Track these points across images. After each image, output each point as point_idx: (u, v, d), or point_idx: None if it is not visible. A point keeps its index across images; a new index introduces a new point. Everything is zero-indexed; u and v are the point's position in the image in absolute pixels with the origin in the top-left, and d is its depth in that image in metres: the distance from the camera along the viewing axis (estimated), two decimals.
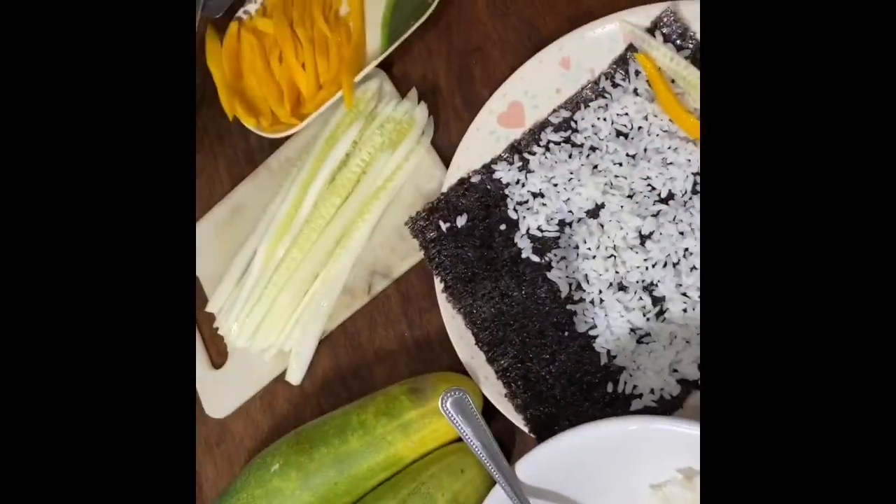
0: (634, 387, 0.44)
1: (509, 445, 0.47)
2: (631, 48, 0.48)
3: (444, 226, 0.51)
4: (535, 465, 0.41)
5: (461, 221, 0.51)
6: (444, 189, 0.52)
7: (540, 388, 0.46)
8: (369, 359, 0.54)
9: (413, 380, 0.48)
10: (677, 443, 0.38)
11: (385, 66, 0.58)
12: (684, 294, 0.44)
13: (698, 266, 0.44)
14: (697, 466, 0.39)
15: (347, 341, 0.55)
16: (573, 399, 0.45)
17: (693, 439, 0.38)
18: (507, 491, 0.40)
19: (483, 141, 0.52)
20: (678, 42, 0.47)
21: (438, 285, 0.50)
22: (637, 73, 0.48)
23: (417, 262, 0.54)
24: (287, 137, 0.60)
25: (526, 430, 0.45)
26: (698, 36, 0.47)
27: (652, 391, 0.44)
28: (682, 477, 0.40)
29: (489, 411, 0.47)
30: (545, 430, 0.45)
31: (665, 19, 0.47)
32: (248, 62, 0.61)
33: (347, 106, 0.56)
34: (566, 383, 0.46)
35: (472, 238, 0.50)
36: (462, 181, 0.52)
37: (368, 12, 0.60)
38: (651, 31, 0.48)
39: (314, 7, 0.60)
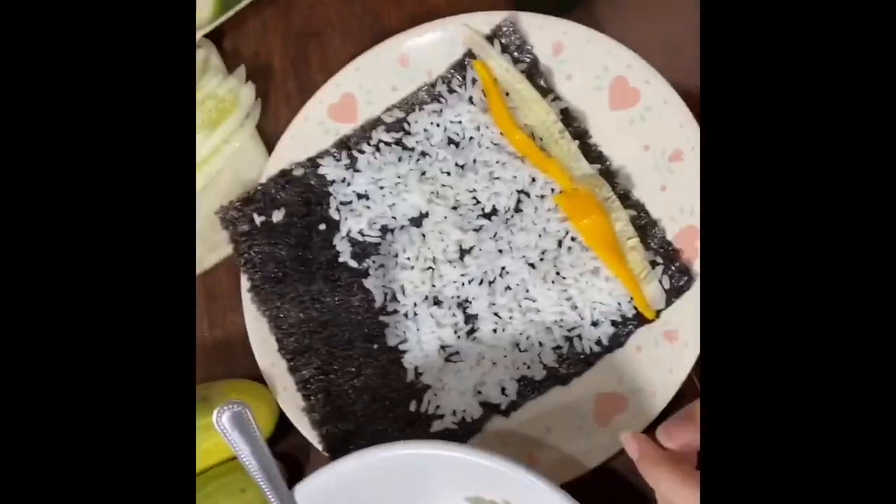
0: (437, 406, 0.42)
1: (303, 463, 0.44)
2: (469, 54, 0.46)
3: (258, 219, 0.47)
4: (318, 489, 0.38)
5: (278, 216, 0.47)
6: (263, 179, 0.48)
7: (340, 402, 0.43)
8: None
9: (203, 386, 0.44)
10: (468, 471, 0.37)
11: (214, 36, 0.53)
12: (496, 314, 0.43)
13: (512, 286, 0.43)
14: (486, 496, 0.38)
15: None
16: (374, 416, 0.43)
17: (483, 469, 0.36)
18: None
19: (311, 132, 0.48)
20: (515, 54, 0.46)
21: (245, 283, 0.46)
22: (474, 80, 0.46)
23: (227, 256, 0.49)
24: None
25: (320, 447, 0.42)
26: (535, 50, 0.46)
27: (454, 412, 0.42)
28: None
29: (285, 425, 0.43)
30: (340, 448, 0.42)
31: (505, 29, 0.46)
32: None
33: None
34: (369, 399, 0.43)
35: (287, 235, 0.46)
36: (283, 173, 0.48)
37: None
38: (490, 38, 0.46)
39: None
